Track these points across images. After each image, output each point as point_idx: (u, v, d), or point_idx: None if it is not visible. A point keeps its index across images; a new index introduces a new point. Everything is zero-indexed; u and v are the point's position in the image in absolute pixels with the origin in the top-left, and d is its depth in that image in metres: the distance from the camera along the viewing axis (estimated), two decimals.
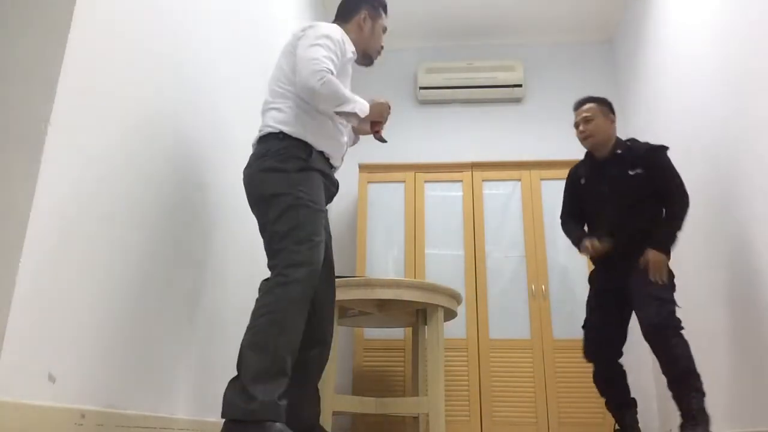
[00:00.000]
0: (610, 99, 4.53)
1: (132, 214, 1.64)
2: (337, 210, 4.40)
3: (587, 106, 2.79)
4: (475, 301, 3.78)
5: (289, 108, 1.97)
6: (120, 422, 1.53)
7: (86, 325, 1.43)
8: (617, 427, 2.70)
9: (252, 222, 2.63)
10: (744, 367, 2.62)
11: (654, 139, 3.80)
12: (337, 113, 1.95)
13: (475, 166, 4.11)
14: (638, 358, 3.88)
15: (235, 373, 2.39)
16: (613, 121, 2.79)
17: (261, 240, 2.75)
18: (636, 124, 4.19)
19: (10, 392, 1.17)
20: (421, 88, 4.56)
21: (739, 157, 2.66)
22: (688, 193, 2.60)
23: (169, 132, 1.89)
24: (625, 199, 2.66)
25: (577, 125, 2.81)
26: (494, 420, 3.48)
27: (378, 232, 3.97)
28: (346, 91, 1.93)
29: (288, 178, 1.88)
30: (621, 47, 4.52)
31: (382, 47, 2.29)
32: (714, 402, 2.93)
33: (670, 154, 3.44)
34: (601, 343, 2.69)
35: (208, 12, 2.22)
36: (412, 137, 4.60)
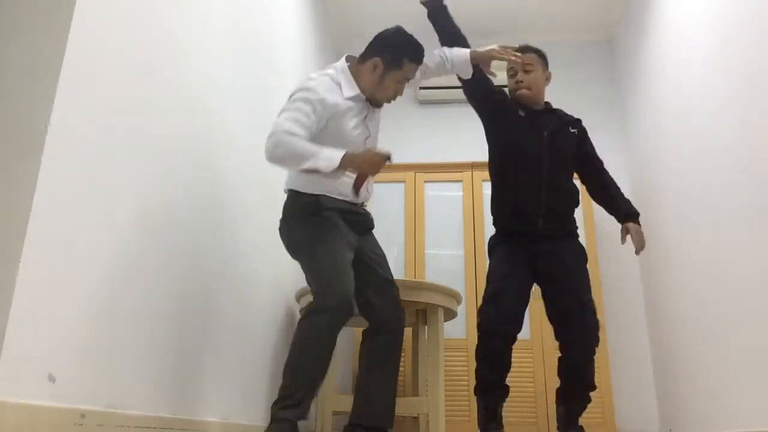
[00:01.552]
0: (610, 99, 4.58)
1: (131, 214, 1.64)
2: None
3: (529, 55, 2.56)
4: (475, 301, 3.78)
5: (296, 172, 2.09)
6: (120, 422, 1.53)
7: (86, 325, 1.43)
8: (484, 414, 2.43)
9: (251, 227, 2.63)
10: (744, 366, 2.62)
11: (655, 140, 3.80)
12: (305, 171, 1.95)
13: (475, 166, 4.11)
14: (638, 357, 3.88)
15: (235, 372, 2.40)
16: (548, 78, 2.63)
17: (260, 240, 2.77)
18: (636, 124, 4.19)
19: (10, 392, 1.17)
20: (421, 88, 4.55)
21: (741, 156, 2.66)
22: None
23: (169, 132, 1.89)
24: (561, 153, 2.53)
25: (513, 72, 2.57)
26: None
27: (378, 232, 3.96)
28: (308, 147, 1.94)
29: (302, 227, 2.10)
30: (621, 47, 4.52)
31: (395, 97, 2.25)
32: (715, 402, 2.93)
33: (671, 154, 3.45)
34: (518, 314, 2.40)
35: (208, 12, 2.22)
36: (412, 137, 4.59)
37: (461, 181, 4.10)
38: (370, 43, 2.21)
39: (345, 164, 1.93)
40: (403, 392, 3.61)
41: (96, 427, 1.41)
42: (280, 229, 2.19)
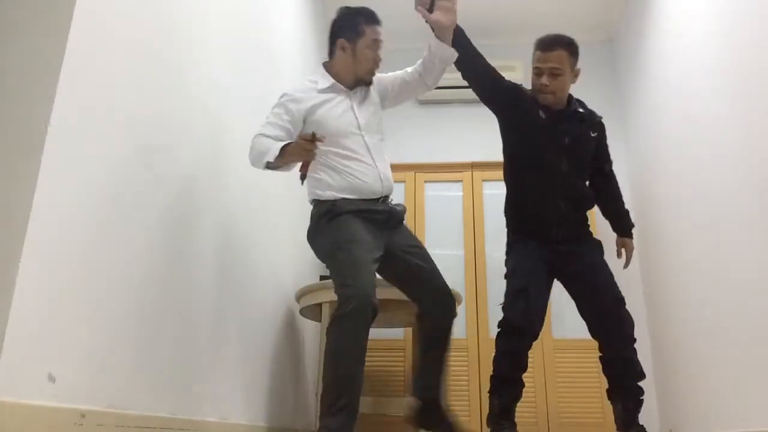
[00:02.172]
0: (610, 100, 4.58)
1: (132, 214, 1.64)
2: None
3: (558, 53, 2.37)
4: (475, 301, 3.78)
5: (311, 176, 2.23)
6: (120, 422, 1.52)
7: (86, 325, 1.43)
8: (498, 413, 2.41)
9: (250, 227, 2.63)
10: (744, 366, 2.62)
11: (655, 141, 3.80)
12: (269, 168, 2.11)
13: (475, 166, 4.11)
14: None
15: (235, 372, 2.40)
16: (576, 75, 2.44)
17: (261, 240, 2.77)
18: (636, 124, 4.19)
19: (10, 392, 1.17)
20: None
21: (742, 155, 2.65)
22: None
23: (169, 133, 1.89)
24: (581, 159, 2.46)
25: (539, 73, 2.40)
26: None
27: None
28: (266, 143, 2.09)
29: (323, 234, 2.15)
30: (621, 47, 4.52)
31: (376, 63, 2.29)
32: (715, 402, 2.93)
33: (671, 155, 3.42)
34: (543, 312, 2.38)
35: (208, 12, 2.22)
36: (412, 137, 4.59)
37: (461, 181, 4.10)
38: (329, 35, 2.34)
39: (285, 153, 2.04)
40: (403, 392, 3.61)
41: (96, 427, 1.41)
42: (307, 238, 2.26)
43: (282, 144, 2.05)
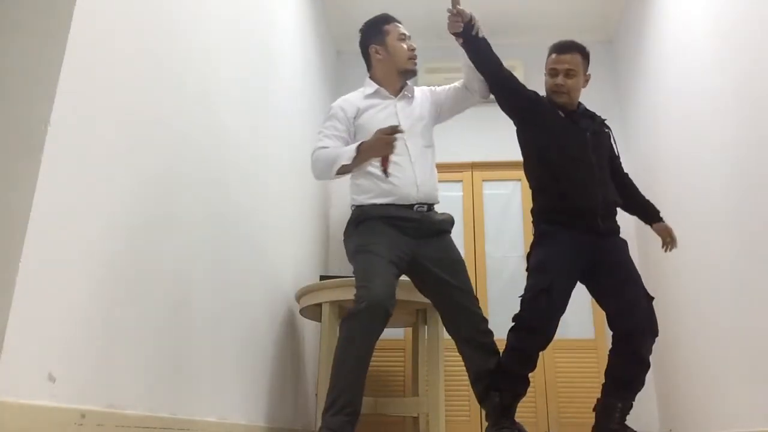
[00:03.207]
0: (610, 99, 4.58)
1: (131, 214, 1.64)
2: (338, 211, 4.40)
3: (572, 56, 2.48)
4: None
5: (353, 182, 2.33)
6: (120, 422, 1.53)
7: (86, 325, 1.43)
8: (499, 410, 2.37)
9: (250, 228, 2.63)
10: (744, 366, 2.62)
11: (655, 141, 3.80)
12: (339, 174, 2.20)
13: (475, 166, 4.12)
14: None
15: (235, 372, 2.40)
16: (586, 80, 2.53)
17: (260, 240, 2.77)
18: (636, 125, 4.19)
19: (10, 392, 1.17)
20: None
21: (741, 156, 2.65)
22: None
23: (169, 133, 1.89)
24: (603, 153, 2.46)
25: (554, 73, 2.47)
26: None
27: None
28: (333, 151, 2.20)
29: (350, 238, 2.26)
30: (621, 47, 4.52)
31: (412, 51, 2.44)
32: (715, 402, 2.93)
33: (671, 155, 3.43)
34: (559, 316, 2.33)
35: (208, 12, 2.22)
36: None
37: (461, 181, 4.10)
38: (361, 52, 2.50)
39: (361, 151, 2.12)
40: (403, 392, 3.61)
41: (96, 427, 1.41)
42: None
43: (356, 144, 2.15)
